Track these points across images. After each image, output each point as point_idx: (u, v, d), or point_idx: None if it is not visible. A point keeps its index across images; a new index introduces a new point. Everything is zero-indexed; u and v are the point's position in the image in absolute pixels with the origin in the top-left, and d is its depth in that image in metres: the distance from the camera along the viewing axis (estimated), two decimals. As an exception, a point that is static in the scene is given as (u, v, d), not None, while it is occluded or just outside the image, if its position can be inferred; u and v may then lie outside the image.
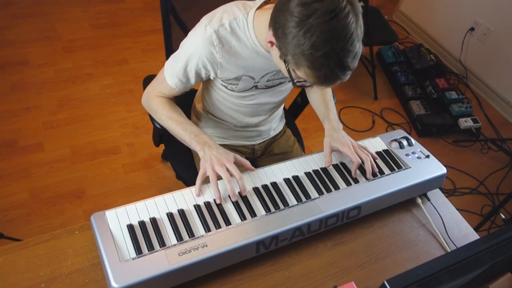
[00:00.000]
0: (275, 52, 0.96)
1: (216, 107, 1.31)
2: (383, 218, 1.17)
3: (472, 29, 3.02)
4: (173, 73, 1.12)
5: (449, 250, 1.12)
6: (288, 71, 0.97)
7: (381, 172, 1.16)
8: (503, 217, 1.91)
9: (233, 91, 1.19)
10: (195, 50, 1.06)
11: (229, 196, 1.02)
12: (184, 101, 1.23)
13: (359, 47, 0.88)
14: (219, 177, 1.03)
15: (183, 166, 1.48)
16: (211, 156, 1.05)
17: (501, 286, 1.08)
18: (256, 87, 1.18)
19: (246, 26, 1.05)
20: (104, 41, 2.83)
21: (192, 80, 1.13)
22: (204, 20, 1.06)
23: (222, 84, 1.18)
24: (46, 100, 2.37)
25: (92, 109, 2.38)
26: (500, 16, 2.84)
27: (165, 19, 1.43)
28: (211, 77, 1.14)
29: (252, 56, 1.09)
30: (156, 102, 1.18)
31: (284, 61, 0.95)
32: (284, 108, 1.64)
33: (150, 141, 1.75)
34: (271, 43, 0.96)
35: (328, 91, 1.34)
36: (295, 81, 0.98)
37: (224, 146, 1.42)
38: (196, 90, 1.49)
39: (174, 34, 1.46)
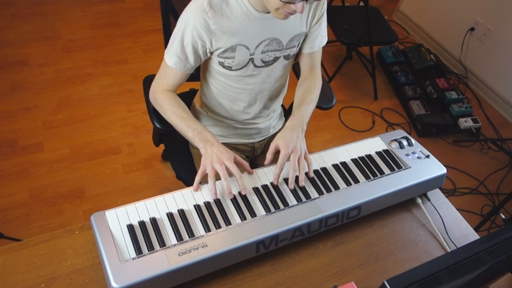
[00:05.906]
0: None
1: (215, 100, 1.32)
2: (383, 218, 1.17)
3: (472, 29, 3.02)
4: (172, 51, 1.15)
5: (449, 250, 1.12)
6: None
7: (381, 172, 1.16)
8: (503, 217, 1.91)
9: (231, 68, 1.20)
10: (188, 21, 1.09)
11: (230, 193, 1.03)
12: (184, 101, 1.23)
13: None
14: (218, 176, 1.04)
15: (183, 166, 1.48)
16: (212, 153, 1.06)
17: (501, 286, 1.08)
18: (252, 61, 1.19)
19: None
20: (104, 41, 2.83)
21: (190, 57, 1.15)
22: None
23: (219, 62, 1.19)
24: (46, 100, 2.38)
25: (92, 109, 2.38)
26: (500, 16, 2.84)
27: (165, 19, 1.44)
28: (208, 51, 1.15)
29: (244, 21, 1.12)
30: (162, 97, 1.20)
31: None
32: (284, 108, 1.64)
33: (150, 141, 1.75)
34: None
35: (312, 91, 1.28)
36: None
37: (223, 144, 1.42)
38: (196, 91, 1.50)
39: (174, 34, 1.47)
